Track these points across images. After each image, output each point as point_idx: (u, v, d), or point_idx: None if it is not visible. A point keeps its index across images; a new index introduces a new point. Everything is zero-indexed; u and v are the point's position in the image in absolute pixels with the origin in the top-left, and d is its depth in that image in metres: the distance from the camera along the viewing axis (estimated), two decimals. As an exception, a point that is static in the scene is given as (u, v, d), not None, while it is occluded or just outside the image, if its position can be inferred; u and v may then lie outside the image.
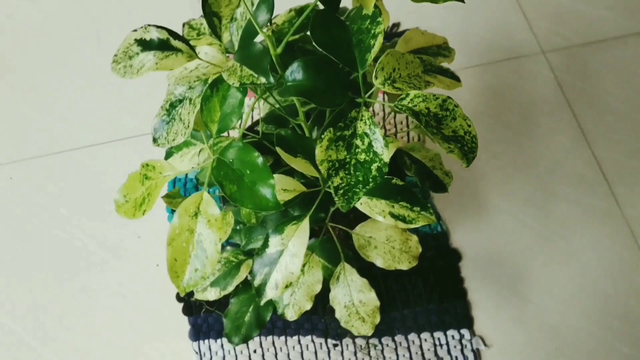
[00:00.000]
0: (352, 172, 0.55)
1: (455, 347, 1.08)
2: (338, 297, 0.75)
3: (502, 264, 1.15)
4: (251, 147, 0.60)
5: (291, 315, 0.71)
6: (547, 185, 1.22)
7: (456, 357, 1.07)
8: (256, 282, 0.66)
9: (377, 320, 0.76)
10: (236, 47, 0.67)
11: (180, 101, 0.65)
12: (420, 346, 1.08)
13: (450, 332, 1.09)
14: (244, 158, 0.60)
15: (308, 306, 0.73)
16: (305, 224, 0.65)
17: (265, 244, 0.66)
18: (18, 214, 1.24)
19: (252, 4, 0.66)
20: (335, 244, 0.74)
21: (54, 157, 1.30)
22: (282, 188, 0.65)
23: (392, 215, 0.64)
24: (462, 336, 1.08)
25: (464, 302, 1.11)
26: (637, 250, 1.16)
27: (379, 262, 0.73)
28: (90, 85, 1.39)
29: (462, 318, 1.10)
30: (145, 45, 0.66)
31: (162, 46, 0.65)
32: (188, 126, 0.64)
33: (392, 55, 0.58)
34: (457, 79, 0.72)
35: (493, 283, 1.14)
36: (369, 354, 1.06)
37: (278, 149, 0.64)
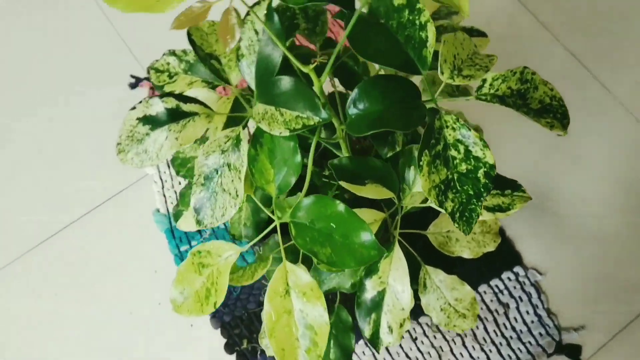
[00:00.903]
0: (459, 188, 0.48)
1: (515, 287, 1.05)
2: (432, 304, 0.69)
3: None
4: (326, 197, 0.52)
5: (389, 340, 0.64)
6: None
7: (519, 297, 1.04)
8: (367, 334, 0.59)
9: (478, 310, 0.71)
10: (252, 85, 0.57)
11: (217, 170, 0.55)
12: (483, 300, 1.04)
13: (504, 275, 1.06)
14: (324, 212, 0.52)
15: (408, 324, 0.67)
16: (398, 253, 0.58)
17: (362, 290, 0.58)
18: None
19: (257, 33, 0.56)
20: (408, 251, 0.67)
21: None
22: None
23: (487, 208, 0.57)
24: (517, 275, 1.06)
25: (505, 241, 1.08)
26: (637, 123, 1.16)
27: (466, 254, 0.68)
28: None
29: (510, 257, 1.07)
30: (152, 121, 0.55)
31: (174, 116, 0.55)
32: (237, 195, 0.55)
33: (449, 42, 0.50)
34: (485, 35, 0.65)
35: (522, 211, 1.11)
36: (438, 329, 1.02)
37: (343, 183, 0.56)
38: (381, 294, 0.58)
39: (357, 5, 0.54)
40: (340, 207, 0.51)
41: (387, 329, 0.59)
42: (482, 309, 1.04)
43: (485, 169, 0.48)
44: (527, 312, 1.04)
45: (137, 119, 0.56)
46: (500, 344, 1.02)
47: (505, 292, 1.05)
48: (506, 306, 1.04)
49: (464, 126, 0.48)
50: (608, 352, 1.01)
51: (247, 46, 0.56)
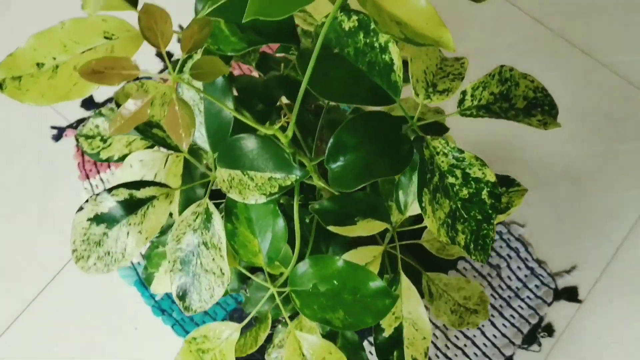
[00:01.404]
0: (465, 216, 0.44)
1: (501, 247, 1.04)
2: (441, 308, 0.66)
3: (484, 147, 1.09)
4: (323, 256, 0.47)
5: None
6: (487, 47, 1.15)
7: (508, 255, 1.03)
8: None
9: (488, 301, 0.68)
10: (207, 148, 0.51)
11: (193, 252, 0.49)
12: (474, 268, 1.03)
13: (488, 237, 1.04)
14: (325, 272, 0.47)
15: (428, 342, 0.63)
16: (406, 283, 0.54)
17: (378, 331, 0.54)
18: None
19: (198, 91, 0.49)
20: (408, 264, 0.63)
21: None
22: (368, 267, 0.53)
23: (486, 213, 0.54)
24: (500, 234, 1.04)
25: (480, 202, 1.06)
26: (581, 53, 1.14)
27: (467, 252, 0.64)
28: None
29: (488, 217, 1.05)
30: (107, 219, 0.48)
31: (130, 207, 0.48)
32: (222, 273, 0.49)
33: (417, 59, 0.45)
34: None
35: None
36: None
37: (333, 228, 0.51)
38: (398, 330, 0.54)
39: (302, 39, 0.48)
40: (340, 262, 0.46)
41: (413, 362, 0.55)
42: (474, 276, 1.03)
43: (489, 189, 0.44)
44: (519, 268, 1.03)
45: (88, 219, 0.49)
46: (501, 306, 1.01)
47: (493, 253, 1.04)
48: (497, 267, 1.03)
49: (455, 149, 0.44)
50: (603, 286, 1.02)
51: (191, 97, 0.50)
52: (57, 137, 1.08)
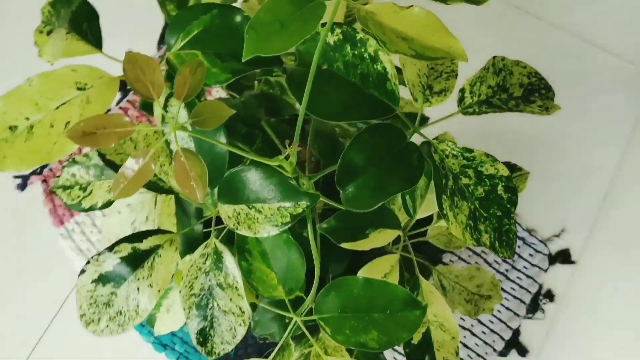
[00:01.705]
0: (485, 215, 0.43)
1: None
2: (456, 300, 0.65)
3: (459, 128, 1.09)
4: (347, 279, 0.45)
5: None
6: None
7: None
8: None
9: (499, 285, 0.68)
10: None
11: (207, 296, 0.47)
12: (468, 248, 1.03)
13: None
14: (352, 294, 0.45)
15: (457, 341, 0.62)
16: (426, 287, 0.53)
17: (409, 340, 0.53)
18: None
19: (184, 128, 0.47)
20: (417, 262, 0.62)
21: None
22: (388, 278, 0.51)
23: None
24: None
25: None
26: (533, 18, 1.15)
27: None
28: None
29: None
30: (112, 278, 0.46)
31: (136, 261, 0.46)
32: (243, 311, 0.47)
33: (408, 63, 0.44)
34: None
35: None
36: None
37: (346, 245, 0.50)
38: (426, 335, 0.53)
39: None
40: (365, 282, 0.45)
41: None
42: (469, 255, 1.03)
43: (503, 183, 0.43)
44: (511, 240, 1.03)
45: (93, 281, 0.46)
46: (500, 280, 1.01)
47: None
48: (490, 243, 1.03)
49: (464, 149, 0.43)
50: (594, 243, 1.03)
51: (183, 146, 0.47)
52: (22, 186, 1.04)
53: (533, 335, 0.99)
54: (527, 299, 1.00)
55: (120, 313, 0.46)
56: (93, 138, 0.34)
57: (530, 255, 1.03)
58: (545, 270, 1.02)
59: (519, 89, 0.45)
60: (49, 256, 1.00)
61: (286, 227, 0.44)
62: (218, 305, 0.48)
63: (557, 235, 1.04)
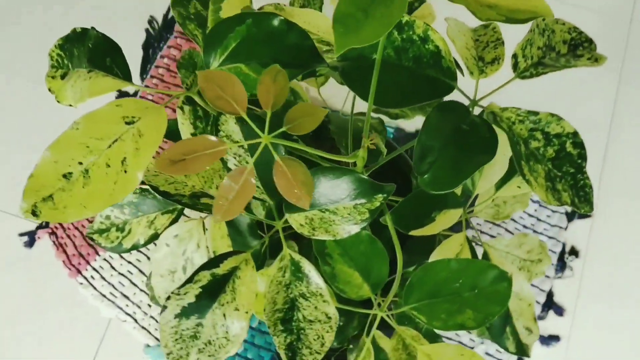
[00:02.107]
0: (559, 174, 0.43)
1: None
2: (509, 270, 0.65)
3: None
4: (432, 263, 0.45)
5: (534, 339, 0.59)
6: None
7: (511, 197, 1.05)
8: (513, 350, 0.54)
9: (546, 247, 0.68)
10: (268, 199, 0.47)
11: (291, 309, 0.46)
12: (485, 221, 1.03)
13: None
14: (439, 278, 0.45)
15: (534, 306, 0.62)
16: (495, 257, 0.53)
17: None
18: None
19: (237, 142, 0.46)
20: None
21: None
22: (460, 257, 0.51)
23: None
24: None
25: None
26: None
27: (519, 206, 0.64)
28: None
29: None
30: (196, 309, 0.45)
31: (217, 287, 0.45)
32: (329, 317, 0.46)
33: (455, 39, 0.44)
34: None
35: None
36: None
37: (415, 233, 0.49)
38: (505, 306, 0.53)
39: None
40: (453, 263, 0.45)
41: (526, 331, 0.54)
42: (490, 228, 1.04)
43: (571, 140, 0.43)
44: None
45: (176, 316, 0.45)
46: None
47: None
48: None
49: (528, 112, 0.43)
50: (603, 194, 1.05)
51: (235, 163, 0.46)
52: (30, 244, 1.00)
53: (566, 293, 1.00)
54: (554, 259, 1.01)
55: (210, 343, 0.45)
56: (183, 165, 0.33)
57: (548, 216, 1.04)
58: (565, 229, 1.04)
59: (563, 46, 0.46)
60: (73, 309, 0.97)
61: (366, 223, 0.43)
62: (303, 316, 0.47)
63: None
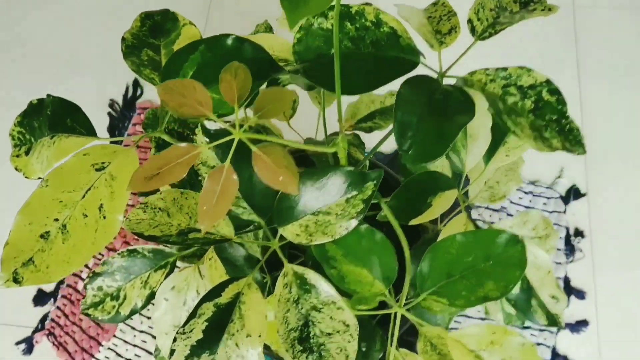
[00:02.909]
0: (543, 122, 0.42)
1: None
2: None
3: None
4: (439, 244, 0.43)
5: (562, 306, 0.57)
6: None
7: (503, 193, 1.03)
8: (544, 322, 0.52)
9: (550, 222, 0.67)
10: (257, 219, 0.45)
11: (305, 325, 0.44)
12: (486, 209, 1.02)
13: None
14: (449, 257, 0.43)
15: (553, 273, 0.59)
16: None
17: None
18: None
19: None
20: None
21: None
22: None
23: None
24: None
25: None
26: None
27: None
28: None
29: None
30: (206, 345, 0.42)
31: (222, 317, 0.43)
32: (347, 324, 0.44)
33: (409, 19, 0.44)
34: None
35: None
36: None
37: (416, 221, 0.48)
38: (524, 280, 0.51)
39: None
40: (459, 237, 0.43)
41: (553, 300, 0.52)
42: (490, 215, 1.02)
43: (546, 88, 0.43)
44: (520, 198, 1.03)
45: (186, 358, 0.42)
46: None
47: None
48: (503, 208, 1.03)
49: (497, 69, 0.42)
50: (594, 167, 1.05)
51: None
52: (28, 350, 0.96)
53: (582, 276, 0.98)
54: (561, 245, 1.00)
55: None
56: (159, 179, 0.31)
57: (545, 204, 1.03)
58: (564, 212, 1.02)
59: (515, 5, 0.46)
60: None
61: (362, 215, 0.42)
62: (320, 330, 0.44)
63: (559, 177, 1.04)
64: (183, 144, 0.31)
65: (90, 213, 0.41)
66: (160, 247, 0.60)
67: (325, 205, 0.42)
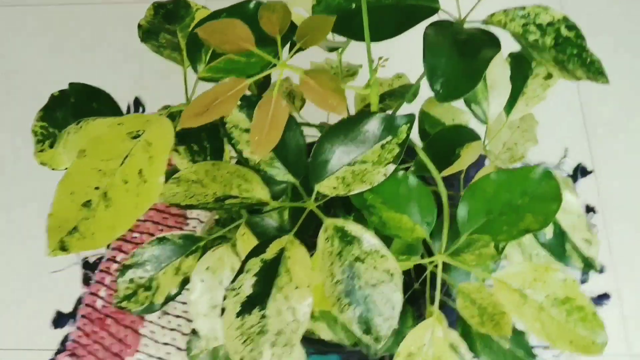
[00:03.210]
0: (565, 56, 0.44)
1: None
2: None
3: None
4: (478, 181, 0.44)
5: (595, 250, 0.58)
6: None
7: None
8: (579, 266, 0.52)
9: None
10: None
11: (351, 277, 0.44)
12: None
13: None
14: (487, 194, 0.44)
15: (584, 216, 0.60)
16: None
17: (542, 236, 0.52)
18: None
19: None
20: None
21: None
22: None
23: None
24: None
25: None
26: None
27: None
28: None
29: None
30: (256, 300, 0.42)
31: (269, 272, 0.43)
32: (392, 273, 0.44)
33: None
34: None
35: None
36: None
37: (446, 172, 0.48)
38: (556, 224, 0.52)
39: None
40: (493, 176, 0.44)
41: (586, 244, 0.52)
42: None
43: (564, 25, 0.44)
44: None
45: (237, 314, 0.42)
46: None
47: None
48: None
49: (516, 9, 0.44)
50: (597, 142, 1.06)
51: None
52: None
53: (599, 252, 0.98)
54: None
55: (280, 333, 0.42)
56: (209, 113, 0.32)
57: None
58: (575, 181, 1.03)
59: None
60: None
61: (399, 159, 0.42)
62: (365, 281, 0.44)
63: (565, 157, 1.06)
64: (228, 79, 0.32)
65: (131, 179, 0.41)
66: (189, 232, 0.60)
67: (361, 154, 0.43)
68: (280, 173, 0.46)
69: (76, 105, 0.52)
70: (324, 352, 0.77)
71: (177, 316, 0.97)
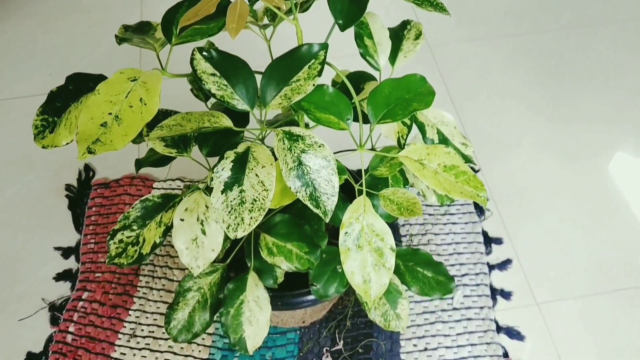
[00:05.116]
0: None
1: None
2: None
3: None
4: (381, 83, 0.63)
5: None
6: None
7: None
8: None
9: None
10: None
11: (300, 163, 0.61)
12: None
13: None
14: (384, 93, 0.63)
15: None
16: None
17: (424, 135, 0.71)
18: None
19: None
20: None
21: None
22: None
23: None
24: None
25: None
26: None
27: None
28: None
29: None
30: (233, 180, 0.58)
31: (242, 159, 0.59)
32: (328, 160, 0.62)
33: None
34: None
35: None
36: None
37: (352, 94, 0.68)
38: (440, 133, 0.72)
39: None
40: (388, 82, 0.63)
41: (463, 146, 0.72)
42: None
43: None
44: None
45: (222, 192, 0.58)
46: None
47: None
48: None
49: None
50: (481, 144, 1.30)
51: (216, 87, 0.63)
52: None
53: (495, 228, 1.19)
54: (472, 208, 1.21)
55: (255, 200, 0.58)
56: (199, 15, 0.50)
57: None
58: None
59: None
60: None
61: (321, 73, 0.61)
62: (310, 167, 0.61)
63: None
64: (208, -2, 0.51)
65: (135, 104, 0.58)
66: (168, 192, 0.75)
67: (295, 76, 0.62)
68: (239, 104, 0.64)
69: (75, 89, 0.68)
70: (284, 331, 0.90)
71: (145, 337, 1.06)
